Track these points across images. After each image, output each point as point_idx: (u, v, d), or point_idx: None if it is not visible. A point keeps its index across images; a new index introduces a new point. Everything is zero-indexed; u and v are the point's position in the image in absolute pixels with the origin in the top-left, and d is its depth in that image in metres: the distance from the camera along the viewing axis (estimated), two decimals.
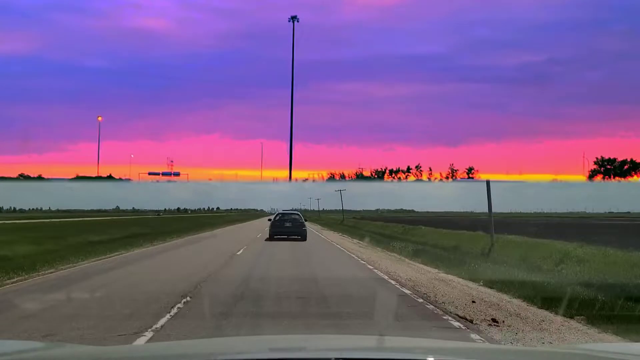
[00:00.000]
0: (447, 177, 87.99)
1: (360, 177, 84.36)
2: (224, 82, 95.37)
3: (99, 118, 53.03)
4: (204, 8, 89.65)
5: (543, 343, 7.12)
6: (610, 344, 5.88)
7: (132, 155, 76.13)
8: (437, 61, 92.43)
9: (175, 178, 66.24)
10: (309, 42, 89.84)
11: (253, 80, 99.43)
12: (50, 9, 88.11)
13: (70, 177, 64.63)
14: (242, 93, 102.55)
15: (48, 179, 60.31)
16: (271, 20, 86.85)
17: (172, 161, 65.93)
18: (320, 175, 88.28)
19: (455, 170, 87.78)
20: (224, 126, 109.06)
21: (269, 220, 32.37)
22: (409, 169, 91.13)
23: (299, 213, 32.36)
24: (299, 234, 29.00)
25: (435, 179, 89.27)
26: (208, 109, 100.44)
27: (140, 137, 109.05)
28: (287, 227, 29.66)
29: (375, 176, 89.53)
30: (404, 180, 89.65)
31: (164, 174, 65.52)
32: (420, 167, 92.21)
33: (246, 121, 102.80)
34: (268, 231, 30.14)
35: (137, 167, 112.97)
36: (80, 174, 65.75)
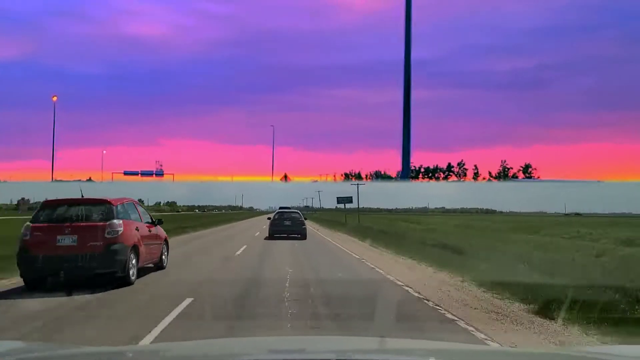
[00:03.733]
0: (497, 176, 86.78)
1: (382, 176, 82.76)
2: (218, 88, 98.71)
3: (54, 98, 44.70)
4: (198, 15, 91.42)
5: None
6: (614, 346, 5.50)
7: (104, 152, 70.92)
8: (432, 66, 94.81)
9: (158, 178, 59.11)
10: (305, 47, 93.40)
11: (248, 85, 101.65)
12: (45, 15, 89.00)
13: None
14: (235, 99, 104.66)
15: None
16: (266, 27, 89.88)
17: (161, 165, 59.68)
18: (336, 177, 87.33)
19: (509, 169, 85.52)
20: (218, 132, 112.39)
21: (268, 219, 31.34)
22: (450, 167, 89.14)
23: (298, 211, 31.39)
24: (299, 233, 28.39)
25: (484, 178, 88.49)
26: (202, 115, 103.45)
27: (133, 143, 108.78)
28: (287, 226, 29.12)
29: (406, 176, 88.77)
30: (441, 180, 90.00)
31: (142, 173, 57.34)
32: (464, 164, 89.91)
33: (241, 127, 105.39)
34: (267, 230, 29.38)
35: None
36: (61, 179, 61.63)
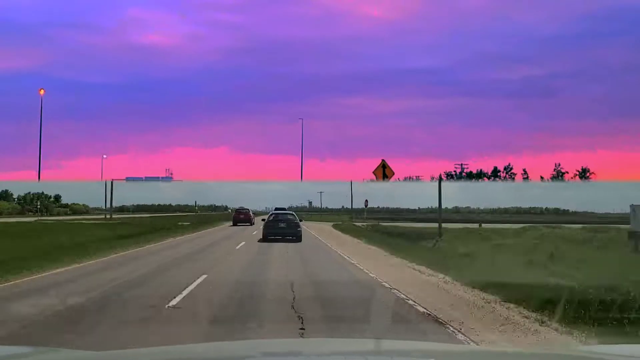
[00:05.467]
0: (551, 179, 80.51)
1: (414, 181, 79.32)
2: (227, 97, 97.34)
3: (41, 92, 42.25)
4: (208, 24, 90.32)
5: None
6: (614, 346, 5.23)
7: (105, 156, 73.92)
8: (438, 75, 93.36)
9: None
10: (311, 56, 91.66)
11: (256, 95, 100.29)
12: (54, 26, 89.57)
13: None
14: (245, 108, 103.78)
15: None
16: (277, 36, 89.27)
17: (171, 173, 62.20)
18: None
19: (564, 173, 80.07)
20: (229, 141, 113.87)
21: (263, 220, 31.44)
22: (496, 171, 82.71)
23: (293, 213, 31.44)
24: (294, 235, 28.00)
25: (528, 179, 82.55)
26: (211, 124, 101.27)
27: (141, 151, 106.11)
28: (282, 228, 28.54)
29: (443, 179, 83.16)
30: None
31: (147, 179, 59.13)
32: (512, 168, 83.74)
33: (250, 136, 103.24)
34: (262, 232, 29.61)
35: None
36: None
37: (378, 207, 76.63)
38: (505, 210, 70.97)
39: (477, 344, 6.94)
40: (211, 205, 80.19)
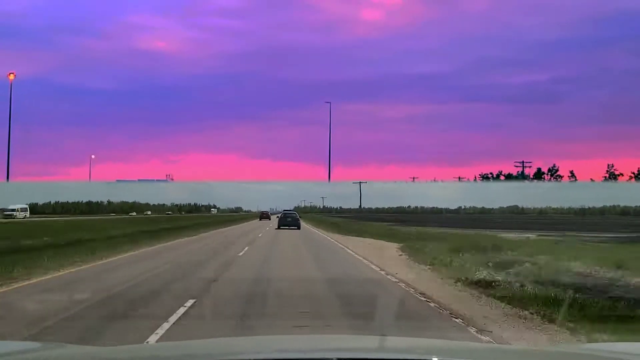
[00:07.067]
0: (604, 179, 76.22)
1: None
2: (232, 103, 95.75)
3: (10, 76, 37.27)
4: (212, 29, 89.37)
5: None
6: (617, 343, 5.36)
7: (93, 157, 68.87)
8: (443, 80, 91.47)
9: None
10: (315, 62, 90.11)
11: (262, 101, 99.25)
12: (57, 32, 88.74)
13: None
14: (250, 113, 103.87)
15: None
16: (278, 41, 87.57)
17: (172, 178, 63.90)
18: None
19: (617, 175, 75.71)
20: (233, 147, 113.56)
21: (277, 217, 50.34)
22: (540, 172, 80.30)
23: (295, 212, 50.18)
24: (296, 225, 45.50)
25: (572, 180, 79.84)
26: (216, 130, 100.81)
27: (145, 159, 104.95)
28: (288, 221, 46.30)
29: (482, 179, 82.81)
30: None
31: (140, 181, 59.75)
32: (557, 169, 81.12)
33: (256, 142, 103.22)
34: (277, 223, 47.09)
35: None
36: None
37: (403, 207, 74.52)
38: (602, 211, 62.75)
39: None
40: (194, 204, 76.34)
